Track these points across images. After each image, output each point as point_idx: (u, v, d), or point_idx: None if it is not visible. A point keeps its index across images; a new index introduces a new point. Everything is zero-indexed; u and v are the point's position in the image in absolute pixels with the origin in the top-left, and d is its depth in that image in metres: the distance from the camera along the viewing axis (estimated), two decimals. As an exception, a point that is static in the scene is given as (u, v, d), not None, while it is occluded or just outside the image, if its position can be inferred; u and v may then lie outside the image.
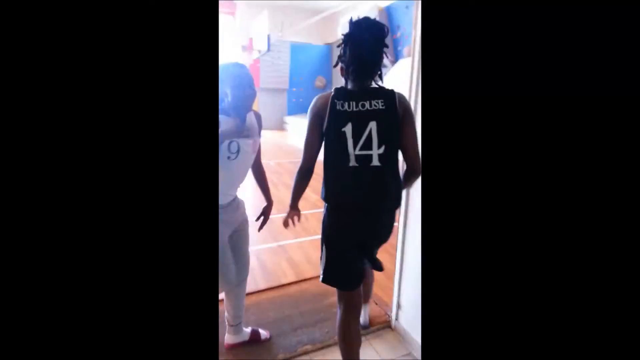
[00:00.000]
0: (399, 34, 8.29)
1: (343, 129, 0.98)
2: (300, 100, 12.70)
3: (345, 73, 1.05)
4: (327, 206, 1.07)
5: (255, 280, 1.96)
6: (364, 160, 0.98)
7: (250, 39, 10.03)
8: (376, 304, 1.75)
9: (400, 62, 7.93)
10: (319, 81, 12.89)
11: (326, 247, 1.09)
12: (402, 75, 7.86)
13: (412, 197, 1.45)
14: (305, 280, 1.95)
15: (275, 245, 2.42)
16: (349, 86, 1.04)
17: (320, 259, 1.11)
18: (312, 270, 2.03)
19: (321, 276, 1.12)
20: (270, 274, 2.04)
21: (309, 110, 1.05)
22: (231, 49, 12.15)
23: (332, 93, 1.02)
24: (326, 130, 1.01)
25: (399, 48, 8.37)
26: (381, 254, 1.17)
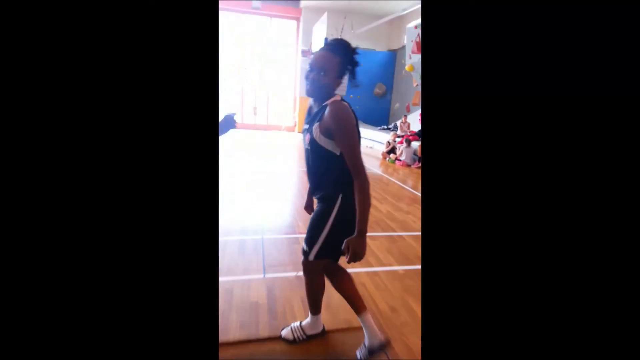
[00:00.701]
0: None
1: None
2: (357, 107, 12.27)
3: (349, 87, 1.35)
4: (342, 199, 1.17)
5: (257, 320, 1.59)
6: None
7: (311, 43, 9.95)
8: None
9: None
10: (379, 88, 12.33)
11: (331, 232, 1.20)
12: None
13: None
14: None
15: (294, 276, 2.03)
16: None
17: (315, 244, 1.23)
18: (328, 321, 1.59)
19: (314, 255, 1.25)
20: (278, 316, 1.64)
21: (350, 122, 1.11)
22: (293, 54, 12.26)
23: (348, 103, 1.15)
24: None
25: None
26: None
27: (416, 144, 6.34)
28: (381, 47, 12.53)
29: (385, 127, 9.59)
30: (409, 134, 7.02)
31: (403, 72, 11.28)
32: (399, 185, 4.76)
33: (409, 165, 6.25)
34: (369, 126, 10.66)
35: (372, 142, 8.74)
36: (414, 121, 7.79)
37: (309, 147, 1.19)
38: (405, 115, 7.88)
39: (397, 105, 11.86)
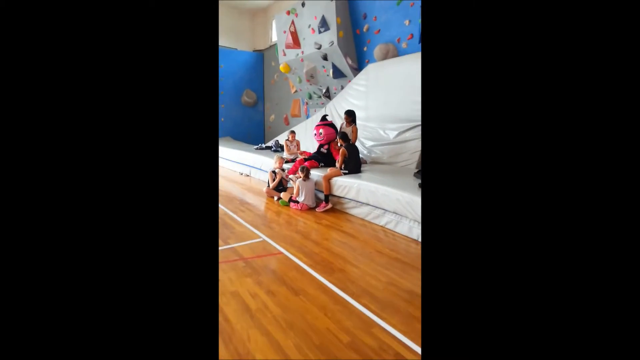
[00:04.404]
0: (365, 28, 5.77)
1: None
2: (221, 120, 9.41)
3: None
4: None
5: None
6: None
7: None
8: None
9: (369, 67, 5.42)
10: (248, 96, 9.82)
11: None
12: (372, 88, 4.84)
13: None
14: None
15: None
16: None
17: None
18: None
19: None
20: None
21: None
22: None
23: None
24: None
25: (364, 48, 5.87)
26: None
27: (317, 175, 4.15)
28: (244, 46, 10.12)
29: (263, 145, 7.14)
30: (301, 157, 4.81)
31: (275, 76, 9.17)
32: (307, 272, 2.39)
33: (312, 209, 4.00)
34: (242, 144, 8.02)
35: (248, 167, 6.17)
36: (305, 138, 5.65)
37: None
38: (293, 132, 5.54)
39: (272, 117, 9.67)
